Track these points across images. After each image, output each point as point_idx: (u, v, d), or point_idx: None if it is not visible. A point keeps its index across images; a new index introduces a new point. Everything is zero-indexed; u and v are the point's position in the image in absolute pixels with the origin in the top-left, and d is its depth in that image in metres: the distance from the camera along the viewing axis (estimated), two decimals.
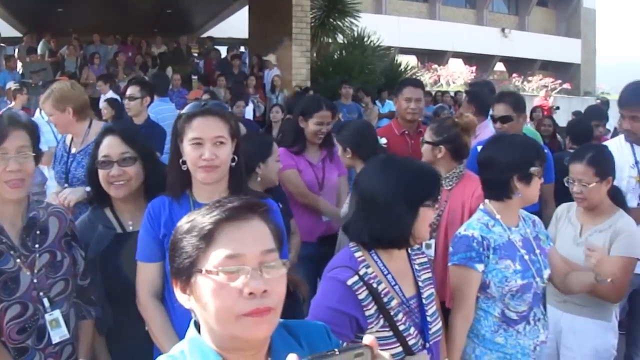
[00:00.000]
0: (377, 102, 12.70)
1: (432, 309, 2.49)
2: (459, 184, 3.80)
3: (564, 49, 39.76)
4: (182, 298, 1.52)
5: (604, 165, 3.47)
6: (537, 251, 2.98)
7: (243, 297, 1.41)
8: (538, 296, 2.96)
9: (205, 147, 2.53)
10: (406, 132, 5.02)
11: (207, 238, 1.45)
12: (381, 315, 2.29)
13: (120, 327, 2.82)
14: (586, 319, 3.43)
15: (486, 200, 3.03)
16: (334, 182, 4.65)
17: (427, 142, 3.83)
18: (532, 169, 2.88)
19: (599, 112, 7.68)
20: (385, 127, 5.31)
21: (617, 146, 4.19)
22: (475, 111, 5.39)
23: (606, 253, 3.29)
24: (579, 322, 3.45)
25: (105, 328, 2.84)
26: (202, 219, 1.48)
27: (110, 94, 10.07)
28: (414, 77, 17.64)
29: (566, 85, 31.92)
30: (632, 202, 3.99)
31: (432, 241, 3.74)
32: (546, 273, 2.98)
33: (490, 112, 4.91)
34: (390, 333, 2.30)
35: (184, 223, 1.52)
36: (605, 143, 4.41)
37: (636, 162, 4.12)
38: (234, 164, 2.66)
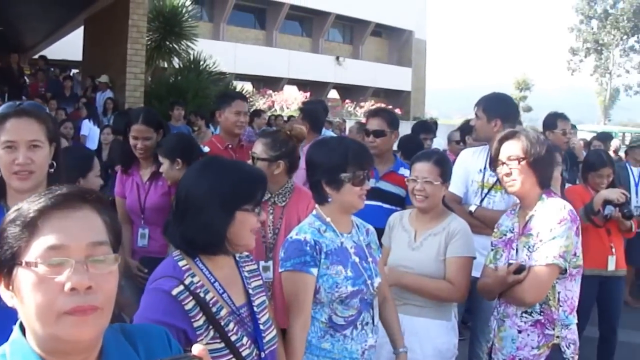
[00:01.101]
0: (210, 125, 12.89)
1: (264, 317, 2.38)
2: (292, 198, 3.74)
3: (396, 77, 41.58)
4: (5, 295, 1.37)
5: (447, 169, 3.60)
6: (370, 259, 2.94)
7: (65, 293, 1.28)
8: (366, 302, 2.90)
9: (19, 151, 2.37)
10: (230, 146, 4.98)
11: (30, 227, 1.32)
12: (211, 326, 2.15)
13: None
14: (427, 320, 3.48)
15: (317, 205, 2.95)
16: (157, 203, 4.37)
17: (263, 159, 3.69)
18: (343, 175, 2.79)
19: (426, 126, 7.99)
20: (208, 142, 5.27)
21: (474, 151, 4.51)
22: (309, 128, 5.52)
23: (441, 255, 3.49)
24: (420, 323, 3.47)
25: None
26: (28, 206, 1.35)
27: None
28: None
29: (397, 111, 33.49)
30: (473, 206, 4.28)
31: (270, 263, 3.65)
32: (377, 281, 2.93)
33: (366, 126, 4.92)
34: (222, 344, 2.16)
35: (11, 212, 1.37)
36: (464, 150, 4.72)
37: (484, 168, 4.30)
38: (52, 170, 2.49)
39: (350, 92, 37.75)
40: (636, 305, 8.09)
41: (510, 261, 3.21)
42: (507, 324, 3.24)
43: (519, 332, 3.18)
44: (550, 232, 3.06)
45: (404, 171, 4.45)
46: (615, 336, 5.51)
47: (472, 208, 4.25)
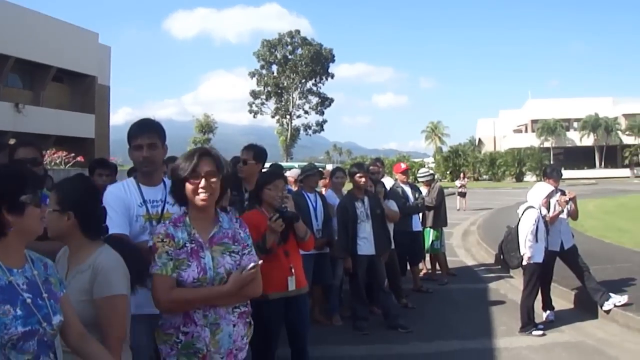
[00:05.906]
0: None
1: None
2: None
3: (79, 124, 41.48)
4: None
5: (66, 195, 3.30)
6: (45, 295, 2.67)
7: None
8: (46, 344, 2.63)
9: None
10: None
11: None
12: None
13: None
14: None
15: None
16: None
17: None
18: (23, 197, 2.60)
19: (103, 163, 8.19)
20: None
21: (125, 187, 4.23)
22: None
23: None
24: None
25: None
26: None
27: None
28: None
29: (79, 158, 33.81)
30: (143, 239, 4.00)
31: None
32: (57, 319, 2.69)
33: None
34: None
35: None
36: (110, 187, 4.35)
37: (144, 201, 4.17)
38: None
39: (31, 140, 36.42)
40: (327, 322, 8.78)
41: (228, 265, 3.53)
42: (222, 324, 3.52)
43: (234, 326, 3.56)
44: (250, 239, 3.70)
45: None
46: (307, 351, 5.78)
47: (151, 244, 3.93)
